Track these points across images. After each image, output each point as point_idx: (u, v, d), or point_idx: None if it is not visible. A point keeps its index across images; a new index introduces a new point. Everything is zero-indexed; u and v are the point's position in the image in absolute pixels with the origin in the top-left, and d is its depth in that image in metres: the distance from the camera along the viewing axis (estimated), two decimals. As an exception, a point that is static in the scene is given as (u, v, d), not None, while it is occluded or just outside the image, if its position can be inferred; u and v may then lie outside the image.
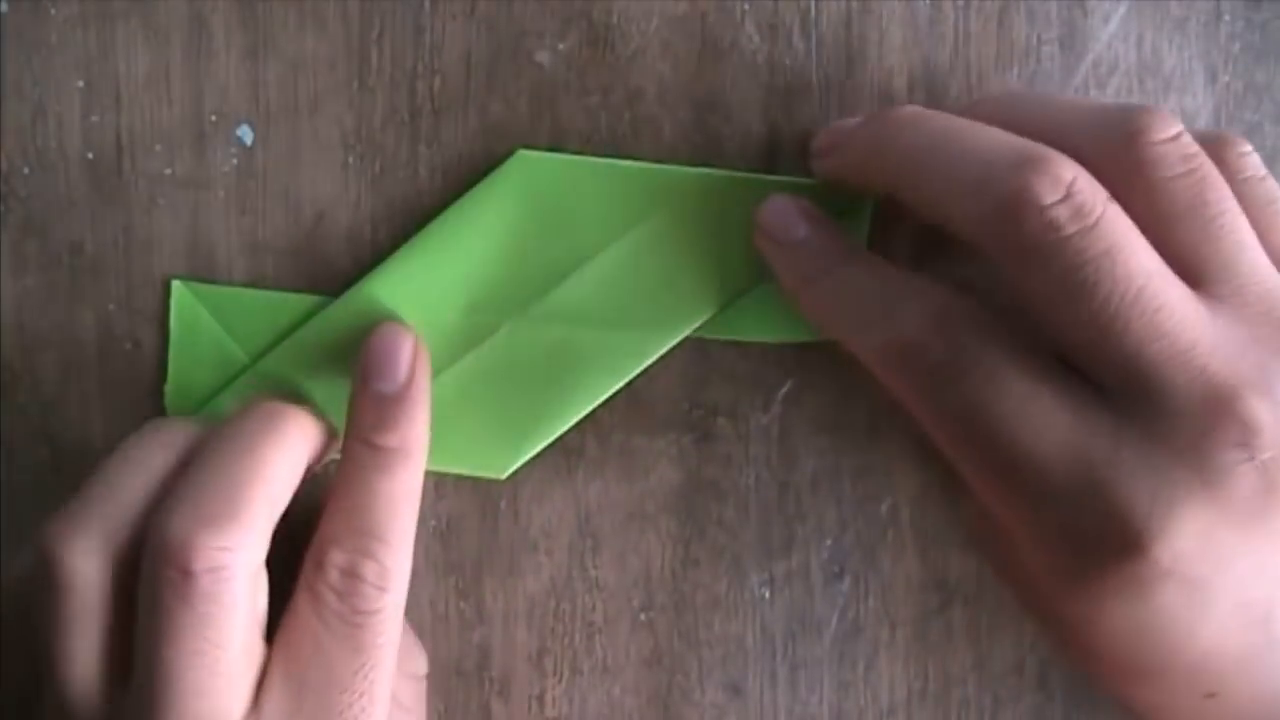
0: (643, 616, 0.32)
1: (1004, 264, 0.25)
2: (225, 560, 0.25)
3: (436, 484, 0.31)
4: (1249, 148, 0.27)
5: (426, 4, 0.30)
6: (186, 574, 0.25)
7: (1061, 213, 0.24)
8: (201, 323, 0.31)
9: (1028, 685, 0.32)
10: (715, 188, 0.30)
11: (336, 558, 0.27)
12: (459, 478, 0.31)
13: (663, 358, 0.30)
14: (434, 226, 0.30)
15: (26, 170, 0.31)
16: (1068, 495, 0.24)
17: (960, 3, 0.31)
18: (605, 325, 0.30)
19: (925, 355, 0.26)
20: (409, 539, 0.28)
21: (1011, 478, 0.25)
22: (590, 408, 0.30)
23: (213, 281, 0.31)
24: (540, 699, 0.32)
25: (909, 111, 0.27)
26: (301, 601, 0.27)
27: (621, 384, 0.30)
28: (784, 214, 0.29)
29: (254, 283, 0.31)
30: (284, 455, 0.27)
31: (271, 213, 0.31)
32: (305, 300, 0.31)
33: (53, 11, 0.30)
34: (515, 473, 0.31)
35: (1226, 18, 0.31)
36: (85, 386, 0.31)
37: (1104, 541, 0.24)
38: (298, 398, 0.30)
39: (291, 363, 0.30)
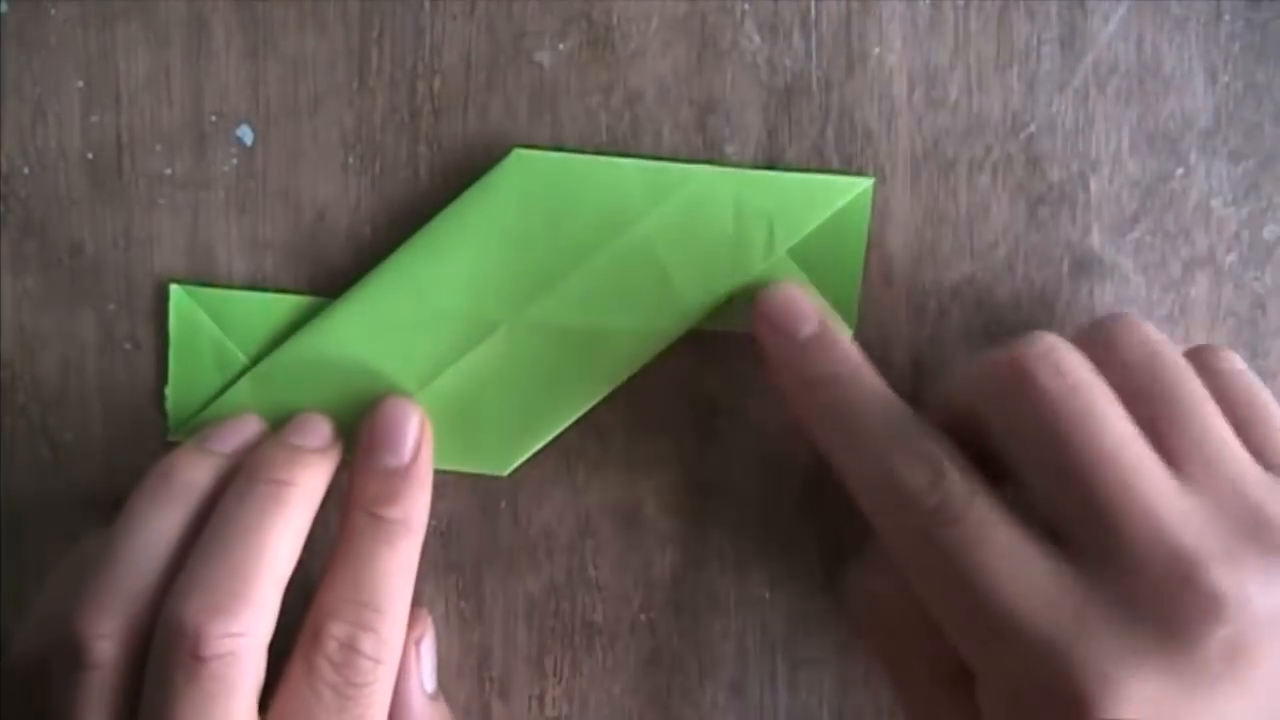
0: (643, 616, 0.32)
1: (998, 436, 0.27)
2: (235, 646, 0.26)
3: (437, 484, 0.31)
4: (1228, 353, 0.28)
5: (426, 4, 0.30)
6: (197, 659, 0.25)
7: (931, 501, 0.26)
8: (200, 326, 0.31)
9: (1028, 685, 0.32)
10: (712, 184, 0.30)
11: (335, 630, 0.27)
12: (459, 477, 0.31)
13: (663, 357, 0.30)
14: (431, 227, 0.30)
15: (26, 170, 0.31)
16: (1029, 650, 0.24)
17: (960, 3, 0.31)
18: (604, 322, 0.30)
19: (918, 499, 0.26)
20: (405, 609, 0.28)
21: (981, 625, 0.25)
22: (590, 404, 0.30)
23: (213, 282, 0.31)
24: (540, 699, 0.32)
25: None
26: (296, 672, 0.27)
27: (621, 380, 0.30)
28: (791, 306, 0.29)
29: (254, 282, 0.31)
30: (288, 530, 0.27)
31: (271, 213, 0.31)
32: (304, 301, 0.31)
33: (53, 11, 0.30)
34: (515, 471, 0.31)
35: (1226, 18, 0.31)
36: (85, 386, 0.31)
37: (1051, 701, 0.24)
38: (298, 400, 0.30)
39: (291, 364, 0.30)
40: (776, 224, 0.30)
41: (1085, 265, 0.31)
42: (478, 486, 0.31)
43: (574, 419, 0.31)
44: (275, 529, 0.27)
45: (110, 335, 0.31)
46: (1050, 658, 0.24)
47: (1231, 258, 0.31)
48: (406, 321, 0.30)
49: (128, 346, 0.31)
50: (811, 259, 0.30)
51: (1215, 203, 0.31)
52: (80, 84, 0.31)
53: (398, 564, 0.28)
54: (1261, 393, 0.27)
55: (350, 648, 0.27)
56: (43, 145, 0.31)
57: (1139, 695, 0.23)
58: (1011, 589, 0.25)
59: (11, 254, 0.31)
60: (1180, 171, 0.31)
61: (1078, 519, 0.25)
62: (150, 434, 0.31)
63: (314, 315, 0.30)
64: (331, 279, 0.31)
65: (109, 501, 0.31)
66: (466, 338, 0.30)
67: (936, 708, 0.28)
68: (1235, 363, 0.28)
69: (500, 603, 0.32)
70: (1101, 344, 0.27)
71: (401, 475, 0.29)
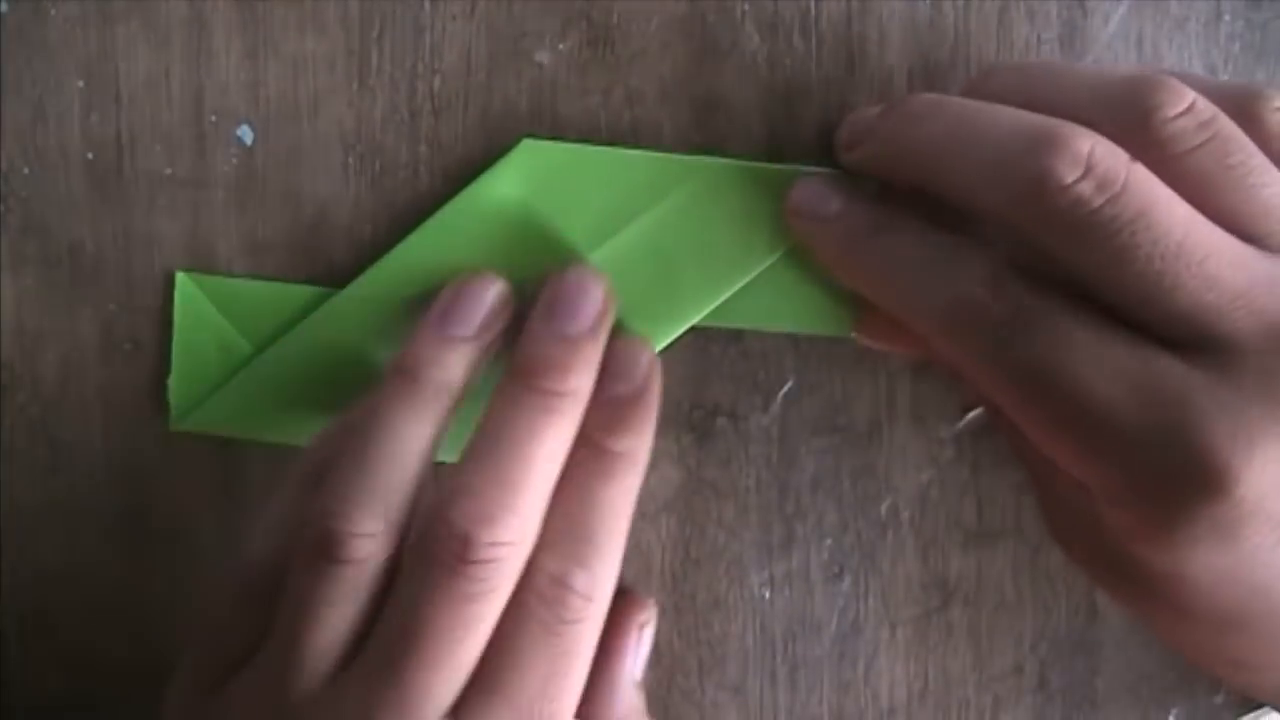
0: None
1: (1042, 243, 0.25)
2: (500, 554, 0.25)
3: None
4: (1278, 102, 0.26)
5: (426, 4, 0.30)
6: (464, 562, 0.25)
7: (1085, 188, 0.24)
8: (205, 314, 0.31)
9: (1028, 685, 0.32)
10: (721, 175, 0.30)
11: (548, 564, 0.26)
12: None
13: (663, 356, 0.30)
14: (440, 215, 0.30)
15: (26, 170, 0.31)
16: (1144, 443, 0.24)
17: (960, 3, 0.31)
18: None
19: (987, 313, 0.25)
20: (621, 546, 0.27)
21: (1086, 431, 0.25)
22: None
23: (213, 281, 0.31)
24: (540, 699, 0.32)
25: (922, 101, 0.27)
26: (507, 605, 0.26)
27: None
28: (814, 191, 0.29)
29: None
30: (560, 439, 0.27)
31: (271, 212, 0.31)
32: (309, 291, 0.31)
33: (53, 11, 0.30)
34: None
35: (1226, 18, 0.31)
36: (85, 386, 0.31)
37: (1186, 486, 0.24)
38: (304, 388, 0.30)
39: (297, 352, 0.30)
40: (783, 217, 0.30)
41: (1085, 265, 0.31)
42: (478, 486, 0.31)
43: None
44: (548, 441, 0.26)
45: (110, 335, 0.31)
46: (1169, 445, 0.24)
47: (1231, 258, 0.31)
48: (411, 310, 0.30)
49: (128, 346, 0.31)
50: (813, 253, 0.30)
51: (1215, 203, 0.31)
52: (80, 84, 0.31)
53: (619, 499, 0.27)
54: None
55: (561, 584, 0.26)
56: (43, 145, 0.31)
57: (1271, 467, 0.23)
58: (1108, 385, 0.24)
59: (11, 254, 0.31)
60: (1180, 171, 0.31)
61: (1159, 315, 0.24)
62: (150, 434, 0.31)
63: (320, 304, 0.30)
64: (331, 279, 0.31)
65: (109, 501, 0.31)
66: None
67: (1081, 513, 0.27)
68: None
69: (500, 603, 0.32)
70: (1148, 141, 0.25)
71: (629, 407, 0.27)
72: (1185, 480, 0.24)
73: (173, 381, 0.31)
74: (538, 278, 0.29)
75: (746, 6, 0.30)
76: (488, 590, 0.25)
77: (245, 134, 0.31)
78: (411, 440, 0.27)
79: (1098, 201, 0.24)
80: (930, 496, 0.32)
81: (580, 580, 0.26)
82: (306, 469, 0.28)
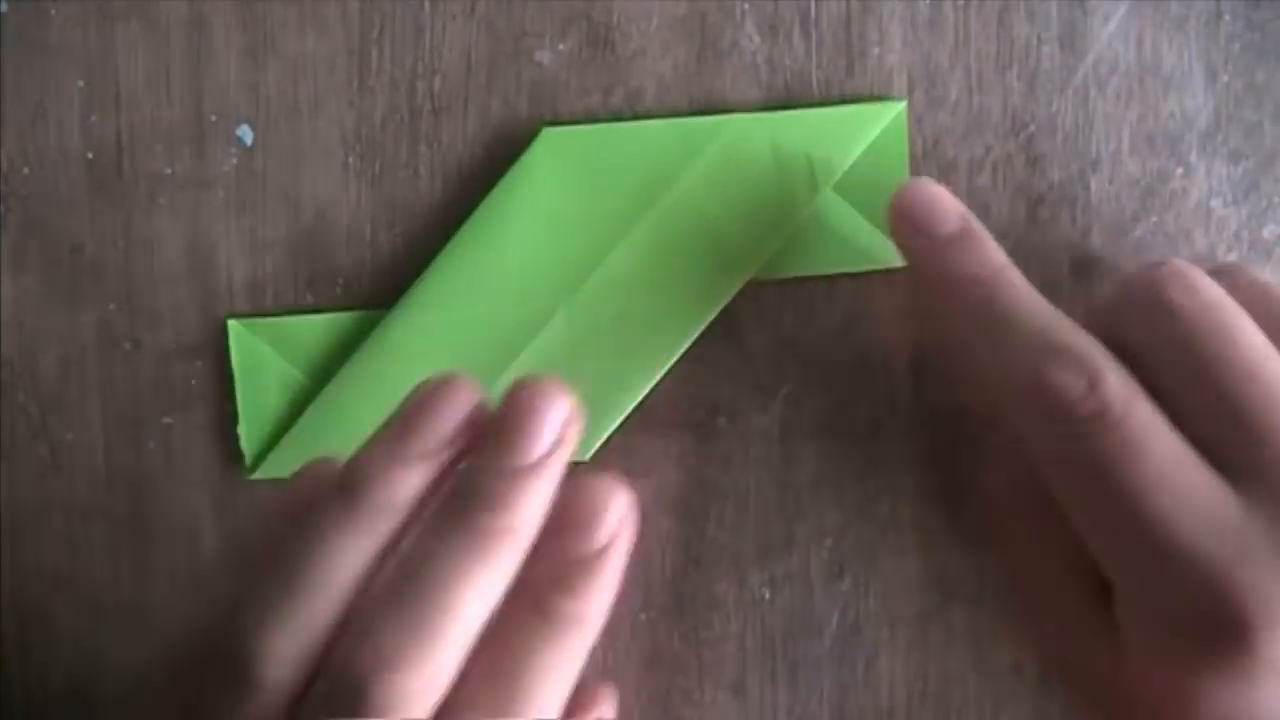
0: (643, 617, 0.32)
1: (1143, 349, 0.26)
2: (405, 705, 0.22)
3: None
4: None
5: (426, 4, 0.30)
6: (357, 713, 0.22)
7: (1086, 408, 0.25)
8: (262, 356, 0.30)
9: (1028, 685, 0.32)
10: (746, 129, 0.30)
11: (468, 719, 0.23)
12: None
13: (663, 358, 0.30)
14: (473, 222, 0.30)
15: (26, 170, 0.31)
16: (1187, 570, 0.24)
17: (960, 3, 0.31)
18: (661, 288, 0.30)
19: (1072, 405, 0.25)
20: (560, 707, 0.24)
21: (1134, 540, 0.24)
22: (660, 373, 0.30)
23: (212, 281, 0.31)
24: (540, 699, 0.32)
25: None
26: None
27: (688, 343, 0.30)
28: (932, 202, 0.28)
29: (254, 281, 0.31)
30: (491, 583, 0.23)
31: (271, 213, 0.31)
32: (357, 317, 0.30)
33: (53, 11, 0.30)
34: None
35: (1226, 18, 0.31)
36: (85, 386, 0.31)
37: (1213, 625, 0.23)
38: (370, 418, 0.29)
39: (358, 383, 0.30)
40: (816, 161, 0.30)
41: (1085, 265, 0.31)
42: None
43: (646, 391, 0.30)
44: (475, 584, 0.23)
45: (110, 335, 0.31)
46: (1211, 580, 0.23)
47: (1231, 258, 0.31)
48: (464, 322, 0.30)
49: (128, 346, 0.31)
50: (858, 191, 0.30)
51: (1215, 203, 0.31)
52: (80, 84, 0.31)
53: (559, 662, 0.24)
54: None
55: None
56: (43, 145, 0.31)
57: None
58: (1172, 504, 0.24)
59: (11, 254, 0.31)
60: (1180, 171, 0.31)
61: (1230, 437, 0.24)
62: (150, 434, 0.31)
63: (370, 329, 0.30)
64: (331, 279, 0.31)
65: (109, 501, 0.31)
66: (526, 329, 0.30)
67: (1066, 620, 0.27)
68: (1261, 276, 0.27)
69: (500, 603, 0.32)
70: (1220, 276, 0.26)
71: (587, 567, 0.24)
72: (1212, 620, 0.23)
73: (242, 429, 0.30)
74: (582, 263, 0.29)
75: (746, 6, 0.30)
76: None
77: (245, 134, 0.31)
78: (342, 565, 0.23)
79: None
80: (930, 496, 0.32)
81: None
82: (232, 571, 0.26)
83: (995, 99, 0.31)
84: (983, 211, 0.31)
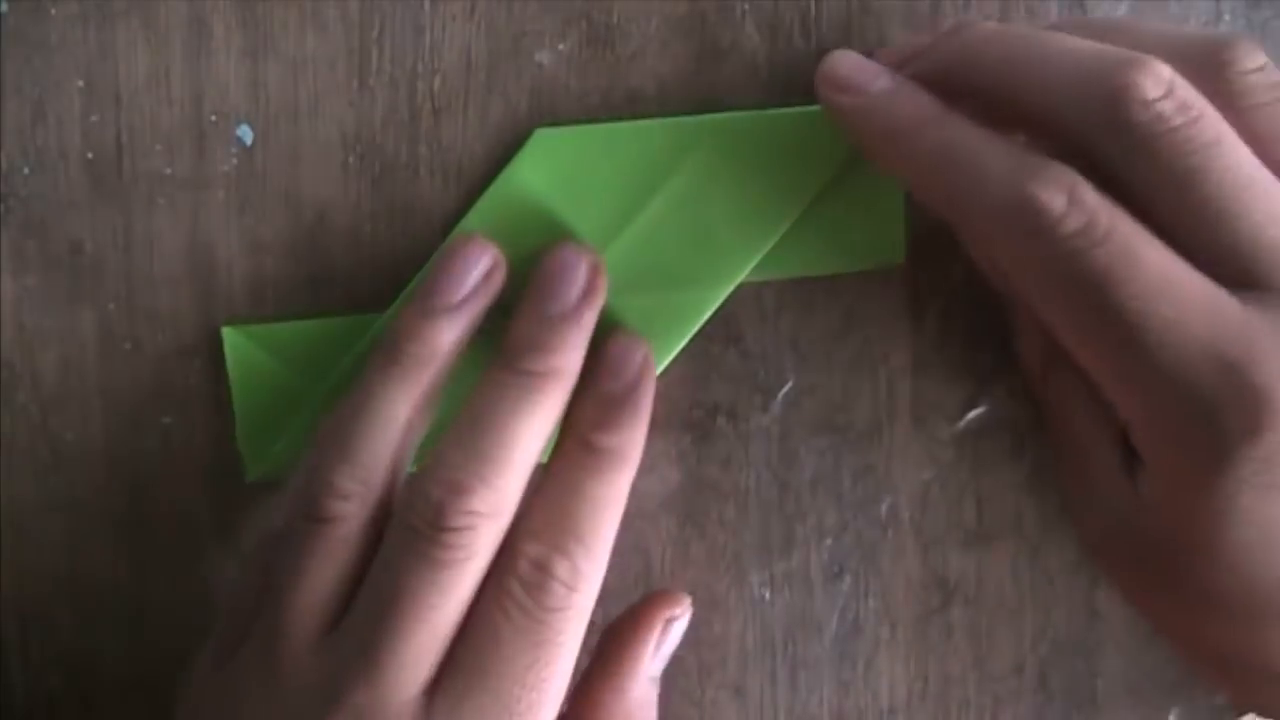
0: (643, 616, 0.32)
1: (1112, 163, 0.25)
2: (474, 522, 0.25)
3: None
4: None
5: (426, 4, 0.30)
6: (437, 529, 0.25)
7: (1166, 106, 0.25)
8: (257, 362, 0.30)
9: (1028, 685, 0.32)
10: (740, 127, 0.30)
11: (529, 549, 0.26)
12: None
13: (663, 358, 0.30)
14: (467, 220, 0.30)
15: (26, 170, 0.31)
16: (1200, 371, 0.24)
17: (960, 3, 0.31)
18: (656, 288, 0.30)
19: (1057, 220, 0.25)
20: (608, 546, 0.27)
21: (1137, 357, 0.24)
22: (659, 371, 0.30)
23: (212, 281, 0.31)
24: (540, 699, 0.32)
25: (993, 26, 0.27)
26: (487, 588, 0.26)
27: (684, 344, 0.30)
28: (857, 64, 0.28)
29: (254, 281, 0.31)
30: (544, 419, 0.27)
31: (271, 213, 0.31)
32: (353, 321, 0.30)
33: (53, 11, 0.30)
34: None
35: (1226, 18, 0.31)
36: (85, 386, 0.31)
37: (1236, 421, 0.24)
38: None
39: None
40: (810, 158, 0.30)
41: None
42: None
43: None
44: (528, 420, 0.26)
45: (110, 335, 0.31)
46: (1226, 373, 0.24)
47: (1231, 258, 0.31)
48: None
49: (127, 346, 0.31)
50: (852, 188, 0.30)
51: (1215, 203, 0.31)
52: (80, 84, 0.31)
53: (605, 496, 0.27)
54: None
55: (543, 569, 0.26)
56: (43, 145, 0.31)
57: None
58: (1174, 311, 0.24)
59: (11, 254, 0.31)
60: (1180, 171, 0.31)
61: (1225, 249, 0.24)
62: (150, 434, 0.31)
63: (365, 332, 0.30)
64: (331, 279, 0.31)
65: (109, 501, 0.31)
66: None
67: (1096, 478, 0.27)
68: None
69: (500, 603, 0.32)
70: (1221, 92, 0.26)
71: (619, 404, 0.28)
72: (1234, 416, 0.24)
73: (240, 436, 0.30)
74: None
75: (746, 6, 0.30)
76: (461, 559, 0.25)
77: (245, 134, 0.31)
78: (390, 409, 0.27)
79: (1177, 121, 0.24)
80: (930, 496, 0.32)
81: (562, 568, 0.26)
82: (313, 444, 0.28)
83: (995, 99, 0.31)
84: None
